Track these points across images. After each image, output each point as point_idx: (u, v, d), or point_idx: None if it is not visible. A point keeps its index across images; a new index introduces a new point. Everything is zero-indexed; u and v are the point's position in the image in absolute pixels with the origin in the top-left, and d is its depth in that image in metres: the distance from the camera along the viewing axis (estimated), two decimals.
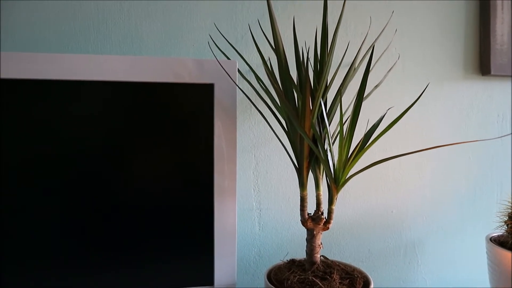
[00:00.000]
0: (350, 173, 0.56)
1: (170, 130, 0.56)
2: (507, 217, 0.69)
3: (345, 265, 0.61)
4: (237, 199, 0.73)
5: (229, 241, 0.58)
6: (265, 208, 0.74)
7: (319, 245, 0.58)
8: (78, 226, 0.55)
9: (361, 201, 0.79)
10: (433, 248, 0.83)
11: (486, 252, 0.70)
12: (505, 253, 0.65)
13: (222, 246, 0.58)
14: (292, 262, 0.62)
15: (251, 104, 0.73)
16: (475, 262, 0.84)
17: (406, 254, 0.82)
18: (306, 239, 0.59)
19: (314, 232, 0.58)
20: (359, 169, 0.54)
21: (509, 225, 0.68)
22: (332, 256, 0.77)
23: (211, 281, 0.59)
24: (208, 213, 0.57)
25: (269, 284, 0.56)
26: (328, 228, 0.58)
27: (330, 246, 0.75)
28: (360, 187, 0.79)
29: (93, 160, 0.54)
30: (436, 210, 0.83)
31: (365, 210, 0.79)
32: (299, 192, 0.58)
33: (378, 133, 0.54)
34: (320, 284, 0.53)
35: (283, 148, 0.74)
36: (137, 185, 0.56)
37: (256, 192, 0.74)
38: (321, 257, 0.61)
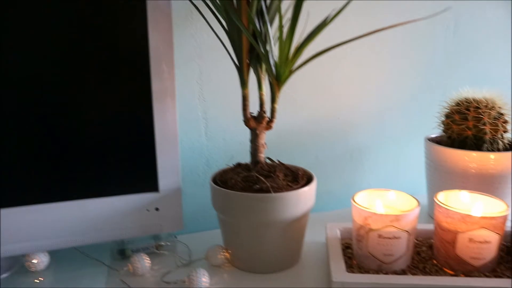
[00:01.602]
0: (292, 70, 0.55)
1: (101, 31, 0.52)
2: (445, 117, 0.71)
3: (290, 165, 0.62)
4: (181, 109, 0.71)
5: (171, 144, 0.57)
6: (212, 117, 0.73)
7: (262, 144, 0.59)
8: (25, 138, 0.52)
9: (308, 109, 0.79)
10: (378, 153, 0.87)
11: (424, 151, 0.74)
12: (440, 149, 0.69)
13: (164, 150, 0.57)
14: (238, 165, 0.62)
15: (192, 11, 0.69)
16: (418, 165, 0.88)
17: (352, 160, 0.85)
18: (249, 140, 0.59)
19: (257, 132, 0.58)
20: (301, 64, 0.53)
21: (445, 124, 0.71)
22: None
23: (155, 187, 0.58)
24: (147, 116, 0.56)
25: (214, 185, 0.57)
26: (271, 127, 0.58)
27: (277, 154, 0.75)
28: (306, 95, 0.79)
29: (26, 66, 0.50)
30: (381, 116, 0.85)
31: (312, 118, 0.80)
32: (241, 91, 0.56)
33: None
34: (264, 180, 0.54)
35: (228, 56, 0.72)
36: (71, 90, 0.53)
37: (201, 102, 0.72)
38: (267, 158, 0.61)
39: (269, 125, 0.57)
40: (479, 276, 0.52)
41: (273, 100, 0.56)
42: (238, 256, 0.58)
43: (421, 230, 0.62)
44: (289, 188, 0.54)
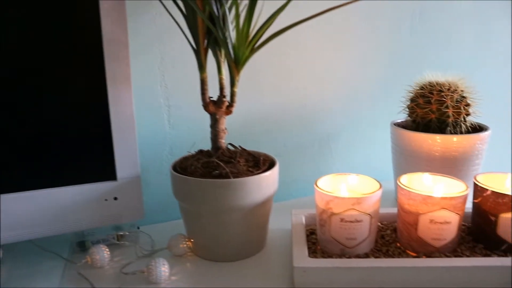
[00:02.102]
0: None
1: (51, 15, 0.50)
2: (409, 101, 0.71)
3: (252, 151, 0.61)
4: (142, 97, 0.69)
5: (128, 130, 0.55)
6: (174, 105, 0.71)
7: (223, 130, 0.57)
8: None
9: (274, 95, 0.78)
10: (347, 139, 0.86)
11: (390, 136, 0.74)
12: (405, 133, 0.69)
13: (121, 136, 0.55)
14: (200, 152, 0.61)
15: None
16: (386, 150, 0.88)
17: (320, 146, 0.84)
18: (210, 125, 0.57)
19: (217, 117, 0.56)
20: (259, 45, 0.52)
21: (410, 108, 0.70)
22: None
23: (113, 176, 0.56)
24: (102, 102, 0.53)
25: (173, 172, 0.55)
26: (231, 111, 0.56)
27: (244, 142, 0.74)
28: (272, 82, 0.77)
29: None
30: (349, 102, 0.85)
31: (279, 105, 0.79)
32: (199, 75, 0.55)
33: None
34: (223, 166, 0.53)
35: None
36: (22, 77, 0.50)
37: (163, 89, 0.70)
38: (229, 144, 0.60)
39: (229, 110, 0.56)
40: (440, 256, 0.52)
41: (233, 83, 0.55)
42: (201, 244, 0.57)
43: (386, 213, 0.62)
44: (250, 173, 0.53)
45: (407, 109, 0.71)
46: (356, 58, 0.84)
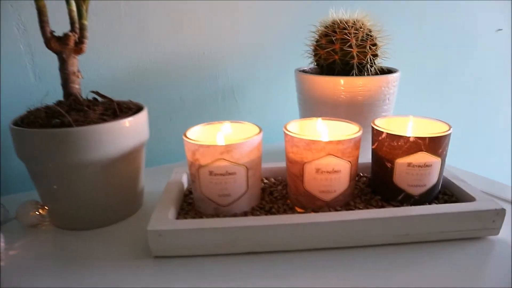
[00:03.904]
0: None
1: None
2: (315, 42, 0.63)
3: (120, 101, 0.51)
4: None
5: None
6: (40, 52, 0.60)
7: (74, 73, 0.47)
8: None
9: (165, 44, 0.68)
10: (254, 91, 0.78)
11: (296, 84, 0.66)
12: (306, 77, 0.61)
13: None
14: (59, 103, 0.50)
15: None
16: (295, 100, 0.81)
17: (224, 100, 0.75)
18: (58, 68, 0.47)
19: (64, 56, 0.46)
20: None
21: (314, 49, 0.62)
22: None
23: None
24: None
25: (11, 126, 0.45)
26: (82, 50, 0.46)
27: (133, 96, 0.64)
28: (163, 24, 0.67)
29: None
30: (255, 51, 0.76)
31: (171, 54, 0.69)
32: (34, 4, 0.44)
33: None
34: (66, 115, 0.43)
35: None
36: None
37: (22, 31, 0.59)
38: (93, 92, 0.50)
39: (79, 48, 0.46)
40: (329, 211, 0.45)
41: (80, 15, 0.45)
42: (55, 211, 0.48)
43: (280, 167, 0.54)
44: (102, 121, 0.44)
45: (312, 52, 0.63)
46: (262, 1, 0.75)
